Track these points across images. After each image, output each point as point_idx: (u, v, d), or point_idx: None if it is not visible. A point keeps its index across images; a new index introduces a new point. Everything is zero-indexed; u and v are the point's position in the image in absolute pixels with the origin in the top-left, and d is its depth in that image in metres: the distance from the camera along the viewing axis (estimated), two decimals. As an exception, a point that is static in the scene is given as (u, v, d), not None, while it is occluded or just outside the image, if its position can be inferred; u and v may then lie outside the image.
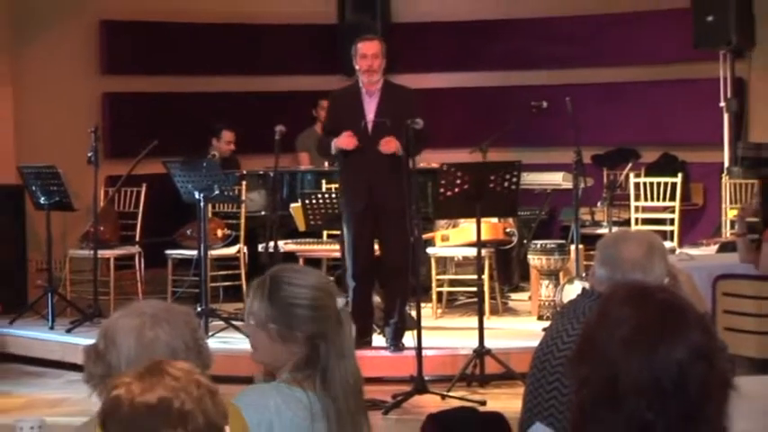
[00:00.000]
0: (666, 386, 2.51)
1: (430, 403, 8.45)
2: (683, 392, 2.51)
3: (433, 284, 11.16)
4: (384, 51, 9.62)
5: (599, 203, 12.20)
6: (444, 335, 10.13)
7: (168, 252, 11.85)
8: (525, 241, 11.55)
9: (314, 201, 10.73)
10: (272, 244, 10.47)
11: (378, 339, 9.88)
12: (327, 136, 9.90)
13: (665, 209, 12.29)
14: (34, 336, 10.88)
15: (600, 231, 11.47)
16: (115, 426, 2.48)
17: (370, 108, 9.58)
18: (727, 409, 2.57)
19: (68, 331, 10.64)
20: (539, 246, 11.04)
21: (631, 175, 12.43)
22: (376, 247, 9.81)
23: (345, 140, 9.45)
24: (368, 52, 9.56)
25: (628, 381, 2.52)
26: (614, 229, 11.04)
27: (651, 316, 2.57)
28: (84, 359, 3.34)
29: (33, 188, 11.13)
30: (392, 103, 9.49)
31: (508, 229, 11.27)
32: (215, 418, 2.50)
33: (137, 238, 12.02)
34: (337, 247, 10.70)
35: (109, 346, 3.29)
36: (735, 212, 10.92)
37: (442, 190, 9.33)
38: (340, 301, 3.77)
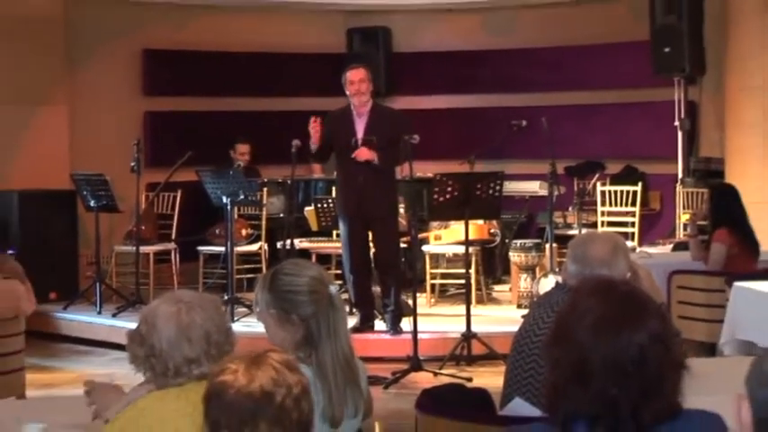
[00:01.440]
0: (628, 366, 2.49)
1: (424, 379, 8.42)
2: (642, 372, 2.49)
3: (428, 277, 11.16)
4: (370, 77, 9.62)
5: (570, 208, 12.20)
6: (437, 321, 10.11)
7: (199, 248, 11.87)
8: (507, 240, 11.55)
9: (325, 205, 10.75)
10: (288, 242, 10.47)
11: (379, 324, 9.84)
12: (322, 146, 9.90)
13: (627, 213, 12.30)
14: (84, 319, 10.90)
15: (571, 232, 11.45)
16: (217, 408, 2.45)
17: (360, 127, 9.57)
18: (681, 386, 2.56)
19: (114, 316, 10.65)
20: (518, 244, 11.03)
21: (598, 184, 12.44)
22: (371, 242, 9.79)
23: (313, 137, 9.44)
24: (355, 79, 9.56)
25: (595, 362, 2.50)
26: (584, 230, 11.02)
27: (615, 306, 2.56)
28: (127, 342, 3.34)
29: (84, 193, 11.13)
30: (379, 123, 9.47)
31: (492, 230, 11.27)
32: (306, 416, 2.47)
33: (173, 236, 12.02)
34: (344, 244, 10.71)
35: (150, 330, 3.28)
36: (687, 217, 10.92)
37: (435, 196, 9.32)
38: (333, 288, 3.78)
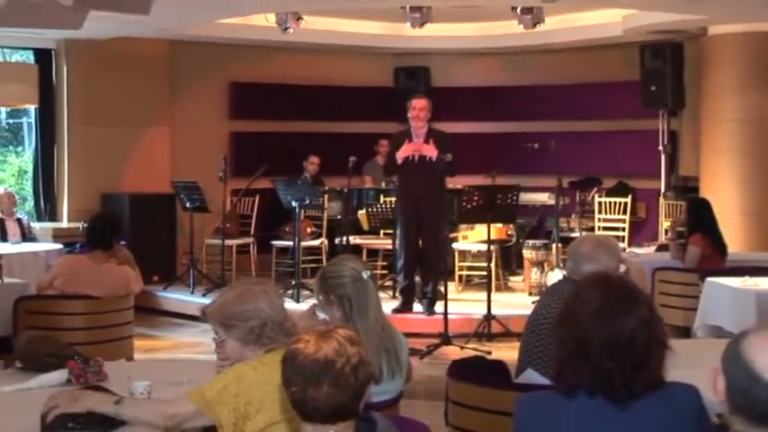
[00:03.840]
0: (622, 344, 2.49)
1: (452, 352, 8.40)
2: (633, 349, 2.49)
3: (456, 269, 11.13)
4: (429, 106, 9.58)
5: (573, 215, 12.13)
6: (463, 304, 10.05)
7: (273, 242, 11.87)
8: (521, 240, 11.50)
9: (375, 209, 10.74)
10: (345, 238, 10.49)
11: (417, 306, 9.82)
12: (387, 162, 9.91)
13: (619, 220, 12.23)
14: (180, 298, 10.94)
15: (573, 235, 11.39)
16: (291, 369, 2.46)
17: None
18: (665, 362, 2.55)
19: (203, 295, 10.63)
20: (530, 244, 10.99)
21: (596, 196, 12.38)
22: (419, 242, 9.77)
23: (403, 150, 9.42)
24: (417, 106, 9.53)
25: (594, 341, 2.50)
26: (583, 233, 10.99)
27: (612, 296, 2.56)
28: (228, 322, 3.30)
29: (182, 196, 11.18)
30: (433, 143, 9.44)
31: (509, 232, 11.22)
32: (363, 381, 2.46)
33: (251, 232, 12.05)
34: (390, 241, 10.68)
35: (246, 305, 3.28)
36: (668, 224, 10.85)
37: (463, 203, 9.29)
38: (365, 274, 3.80)
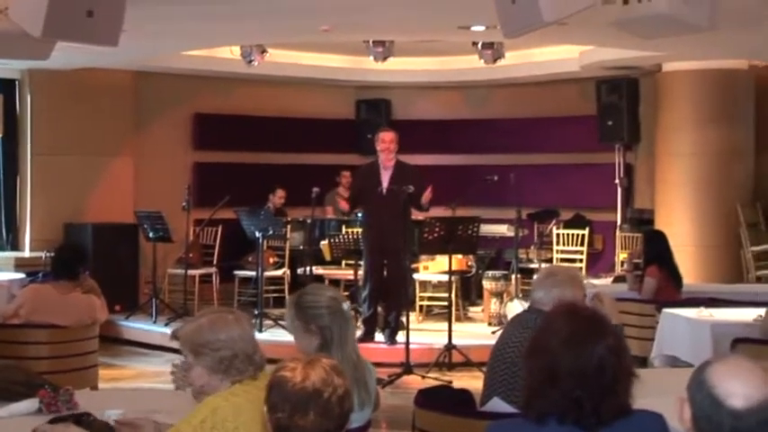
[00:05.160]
0: (590, 373, 2.52)
1: (414, 381, 8.42)
2: (601, 377, 2.53)
3: (417, 299, 11.16)
4: (397, 138, 9.65)
5: (532, 246, 12.23)
6: (424, 334, 10.06)
7: (235, 272, 11.86)
8: (480, 271, 11.55)
9: (337, 239, 10.74)
10: (307, 268, 10.50)
11: (378, 336, 9.83)
12: (353, 196, 9.93)
13: (576, 252, 12.34)
14: (142, 327, 10.89)
15: (532, 266, 11.51)
16: (278, 395, 2.47)
17: (386, 178, 9.58)
18: (632, 389, 2.59)
19: (166, 325, 10.62)
20: (490, 274, 11.03)
21: (554, 227, 12.48)
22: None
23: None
24: (386, 138, 9.60)
25: (564, 369, 2.53)
26: (543, 264, 11.08)
27: (581, 325, 2.59)
28: (196, 354, 3.28)
29: (144, 226, 11.15)
30: (401, 176, 9.47)
31: (469, 263, 11.28)
32: (347, 411, 2.49)
33: (214, 262, 12.02)
34: (351, 271, 10.70)
35: (218, 334, 3.27)
36: (625, 255, 10.97)
37: (425, 234, 9.33)
38: (345, 305, 3.82)
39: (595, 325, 2.60)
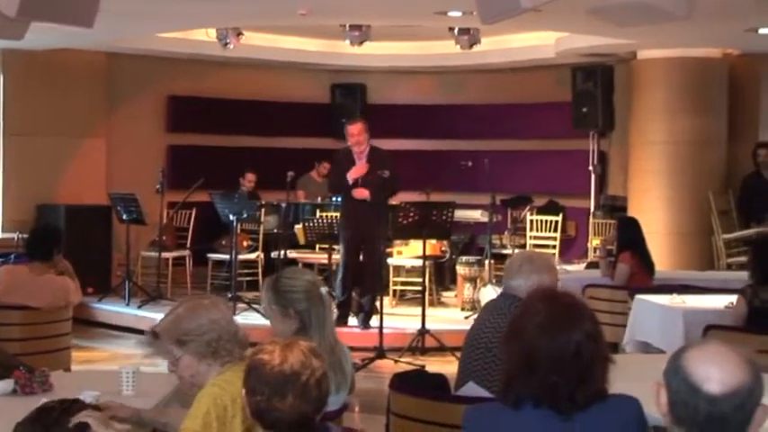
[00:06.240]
0: (567, 358, 2.54)
1: (387, 366, 8.45)
2: (578, 362, 2.55)
3: (391, 284, 11.16)
4: (365, 128, 9.63)
5: (505, 232, 12.27)
6: (397, 319, 10.08)
7: (209, 255, 11.81)
8: (454, 256, 11.59)
9: (311, 224, 10.71)
10: (281, 252, 10.49)
11: (352, 320, 9.85)
12: (335, 182, 9.93)
13: (549, 238, 12.39)
14: (115, 309, 10.84)
15: (505, 252, 11.55)
16: (256, 379, 2.47)
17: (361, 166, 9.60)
18: (608, 375, 2.62)
19: (139, 307, 10.60)
20: (463, 260, 11.08)
21: (527, 213, 12.52)
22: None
23: (354, 171, 9.48)
24: (354, 132, 9.58)
25: (541, 354, 2.55)
26: (516, 250, 11.12)
27: (558, 310, 2.61)
28: (184, 339, 3.25)
29: (118, 208, 11.09)
30: (375, 162, 9.47)
31: (443, 248, 11.31)
32: (325, 394, 2.49)
33: (188, 245, 11.95)
34: (325, 255, 10.70)
35: (201, 319, 3.26)
36: (598, 242, 11.02)
37: (399, 219, 9.31)
38: (322, 290, 3.84)
39: (573, 311, 2.62)
